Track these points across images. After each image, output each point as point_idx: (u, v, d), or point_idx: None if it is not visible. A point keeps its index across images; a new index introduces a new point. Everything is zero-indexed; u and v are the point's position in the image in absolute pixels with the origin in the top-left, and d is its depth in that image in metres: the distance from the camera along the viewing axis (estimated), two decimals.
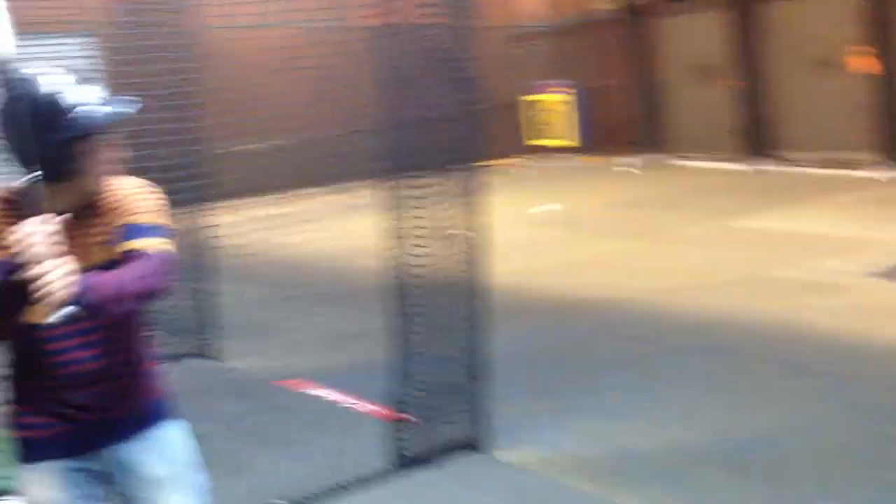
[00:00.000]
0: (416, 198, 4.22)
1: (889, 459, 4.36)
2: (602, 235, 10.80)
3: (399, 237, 4.29)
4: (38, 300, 2.06)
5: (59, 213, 2.21)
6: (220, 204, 6.58)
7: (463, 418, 4.68)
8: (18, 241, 2.05)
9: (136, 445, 2.50)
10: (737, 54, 15.51)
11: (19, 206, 2.24)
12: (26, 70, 2.21)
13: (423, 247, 4.30)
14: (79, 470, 2.45)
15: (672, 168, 16.49)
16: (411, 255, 4.31)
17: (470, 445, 4.69)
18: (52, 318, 2.08)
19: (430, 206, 4.24)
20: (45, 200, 2.16)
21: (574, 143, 18.18)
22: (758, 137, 15.42)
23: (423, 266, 4.36)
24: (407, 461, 4.56)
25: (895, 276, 7.92)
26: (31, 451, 2.45)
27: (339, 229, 4.69)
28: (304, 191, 4.47)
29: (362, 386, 5.38)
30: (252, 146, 4.28)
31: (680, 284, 8.10)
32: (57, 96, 2.25)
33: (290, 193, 4.35)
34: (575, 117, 18.21)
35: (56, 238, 2.10)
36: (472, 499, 4.35)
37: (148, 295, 2.29)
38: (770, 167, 14.96)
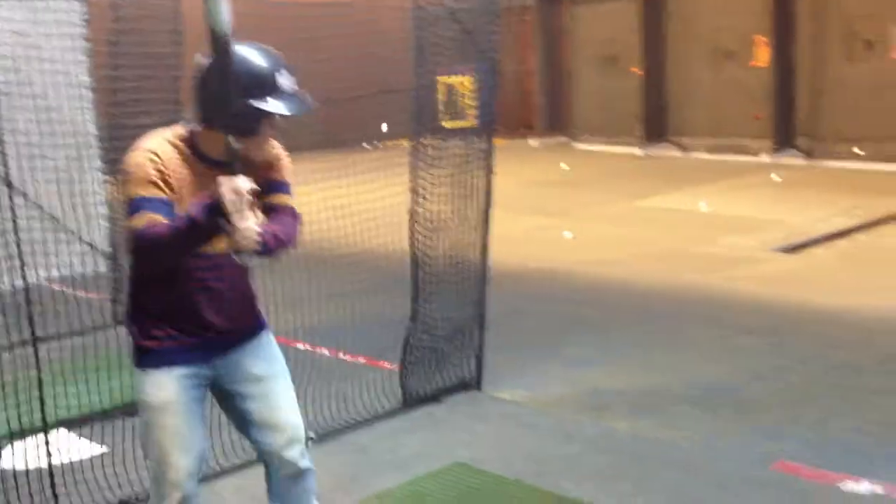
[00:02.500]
0: (437, 158, 4.63)
1: (841, 400, 4.99)
2: (519, 213, 11.36)
3: (418, 194, 4.70)
4: (235, 244, 2.58)
5: (227, 160, 2.63)
6: None
7: (464, 363, 5.16)
8: (229, 193, 2.53)
9: (243, 352, 2.96)
10: (642, 43, 16.31)
11: (193, 145, 2.75)
12: (234, 42, 2.60)
13: (440, 204, 4.72)
14: (192, 376, 2.89)
15: (573, 151, 17.28)
16: (428, 211, 4.72)
17: (469, 386, 5.18)
18: (243, 260, 2.64)
19: (449, 166, 4.66)
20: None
21: (473, 125, 18.79)
22: (658, 124, 16.32)
23: (437, 223, 4.77)
24: (413, 400, 5.00)
25: (795, 250, 8.89)
26: (156, 359, 2.86)
27: (350, 188, 5.02)
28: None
29: (360, 341, 5.73)
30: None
31: (607, 258, 8.78)
32: (263, 65, 2.71)
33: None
34: (476, 100, 18.78)
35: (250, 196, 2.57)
36: (474, 427, 4.82)
37: (294, 243, 2.86)
38: (669, 152, 15.91)
